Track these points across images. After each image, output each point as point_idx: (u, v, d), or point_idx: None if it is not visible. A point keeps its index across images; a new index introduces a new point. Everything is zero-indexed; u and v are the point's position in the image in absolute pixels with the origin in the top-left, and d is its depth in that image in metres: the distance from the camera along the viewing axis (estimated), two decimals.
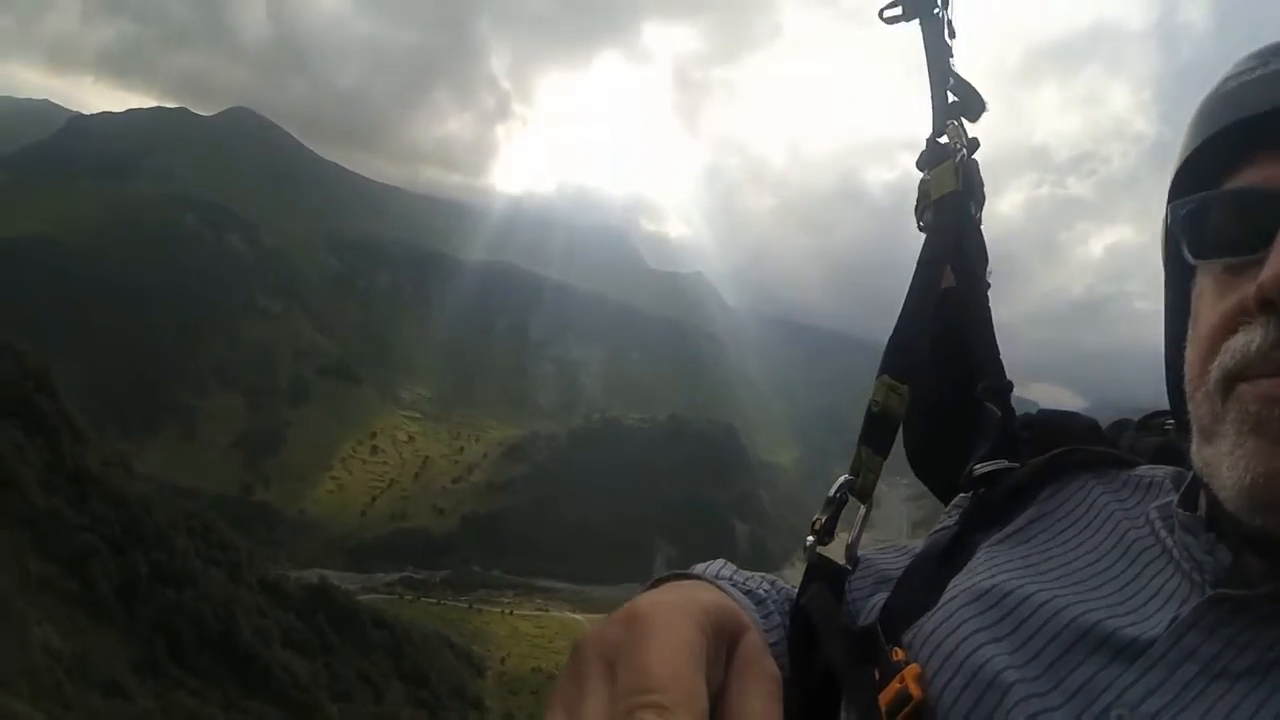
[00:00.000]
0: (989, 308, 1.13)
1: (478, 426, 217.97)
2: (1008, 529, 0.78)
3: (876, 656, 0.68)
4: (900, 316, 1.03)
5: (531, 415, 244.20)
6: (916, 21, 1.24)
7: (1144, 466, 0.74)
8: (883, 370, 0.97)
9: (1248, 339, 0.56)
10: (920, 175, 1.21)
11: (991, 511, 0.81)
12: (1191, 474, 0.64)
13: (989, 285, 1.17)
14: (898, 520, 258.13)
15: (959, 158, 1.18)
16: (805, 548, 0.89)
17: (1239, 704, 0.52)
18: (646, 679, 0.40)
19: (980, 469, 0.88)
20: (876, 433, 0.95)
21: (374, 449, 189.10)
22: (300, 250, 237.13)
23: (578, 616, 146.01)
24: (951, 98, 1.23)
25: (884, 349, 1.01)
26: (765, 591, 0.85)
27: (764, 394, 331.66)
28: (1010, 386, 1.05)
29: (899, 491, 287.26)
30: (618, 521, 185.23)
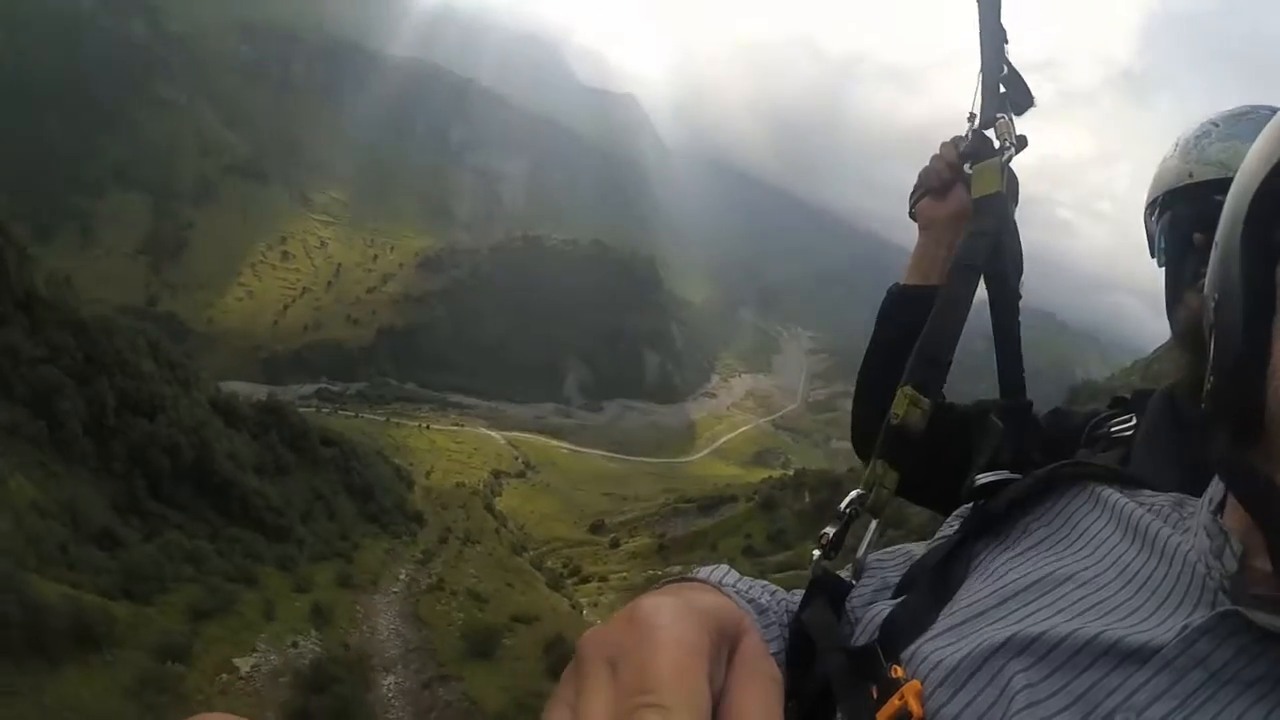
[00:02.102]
0: (1018, 321, 1.10)
1: (393, 235, 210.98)
2: (1010, 539, 0.76)
3: (875, 674, 0.67)
4: (930, 323, 0.98)
5: (448, 225, 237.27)
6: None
7: (1146, 492, 0.72)
8: (906, 379, 0.94)
9: None
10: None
11: (993, 522, 0.79)
12: (1222, 485, 0.61)
13: (1020, 296, 1.13)
14: (797, 368, 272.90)
15: (1006, 156, 1.13)
16: (811, 561, 0.88)
17: (1246, 711, 0.51)
18: (649, 679, 0.39)
19: (982, 480, 0.86)
20: (894, 446, 0.92)
21: (284, 254, 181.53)
22: (208, 37, 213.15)
23: (494, 434, 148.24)
24: (1001, 89, 1.17)
25: (912, 356, 0.96)
26: (767, 601, 0.83)
27: (684, 232, 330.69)
28: (1030, 405, 1.01)
29: (801, 342, 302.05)
30: (533, 342, 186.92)
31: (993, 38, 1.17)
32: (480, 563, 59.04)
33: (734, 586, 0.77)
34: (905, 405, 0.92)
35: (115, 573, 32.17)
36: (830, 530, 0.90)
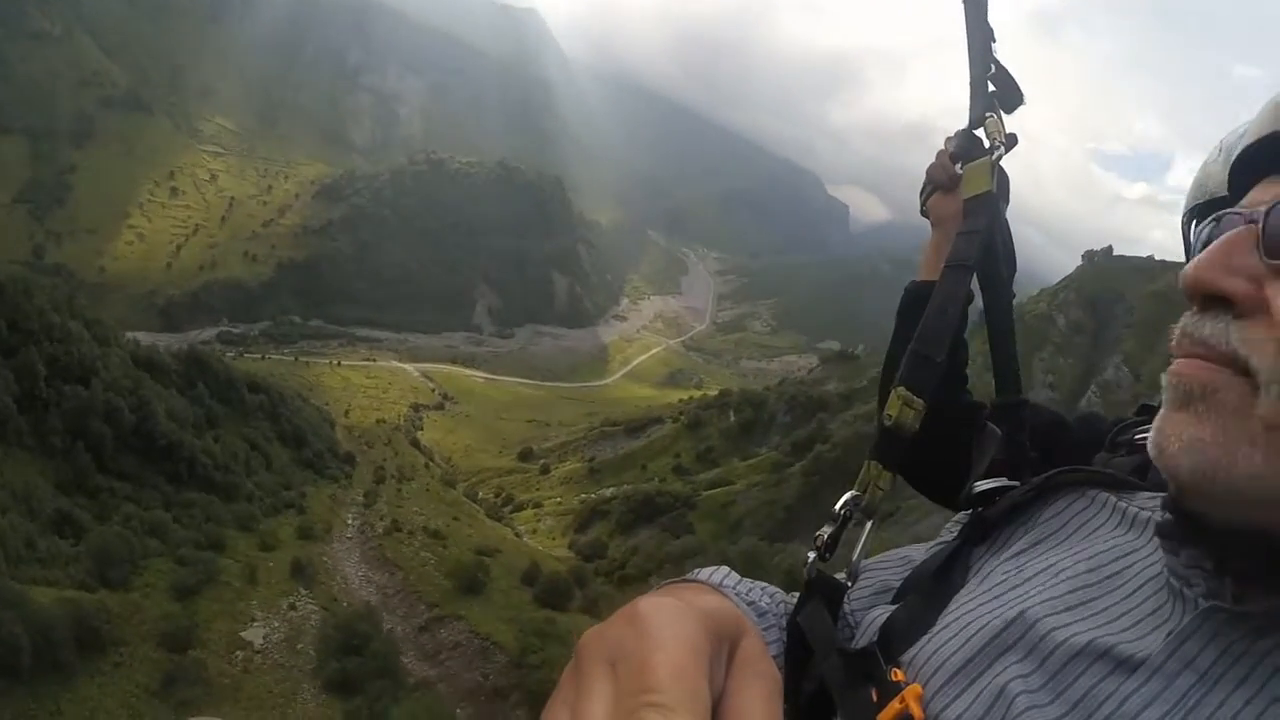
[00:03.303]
0: (1012, 319, 1.10)
1: (287, 164, 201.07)
2: (1006, 547, 0.78)
3: (875, 677, 0.69)
4: (923, 324, 0.99)
5: (345, 151, 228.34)
6: None
7: (1143, 495, 0.74)
8: (900, 380, 0.94)
9: (1179, 324, 0.62)
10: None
11: (990, 530, 0.81)
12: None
13: (1014, 295, 1.13)
14: (705, 289, 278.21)
15: (996, 155, 1.13)
16: (806, 563, 0.86)
17: (1237, 713, 0.53)
18: (649, 679, 0.40)
19: (979, 487, 0.88)
20: (887, 447, 0.93)
21: (174, 191, 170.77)
22: None
23: (407, 366, 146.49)
24: (989, 87, 1.17)
25: (905, 357, 0.98)
26: (766, 603, 0.85)
27: (590, 151, 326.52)
28: (1023, 404, 1.02)
29: (708, 264, 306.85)
30: (440, 270, 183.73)
31: (980, 37, 1.17)
32: (421, 500, 59.47)
33: (733, 588, 0.78)
34: (898, 406, 0.92)
35: (84, 560, 31.04)
36: (825, 531, 0.90)
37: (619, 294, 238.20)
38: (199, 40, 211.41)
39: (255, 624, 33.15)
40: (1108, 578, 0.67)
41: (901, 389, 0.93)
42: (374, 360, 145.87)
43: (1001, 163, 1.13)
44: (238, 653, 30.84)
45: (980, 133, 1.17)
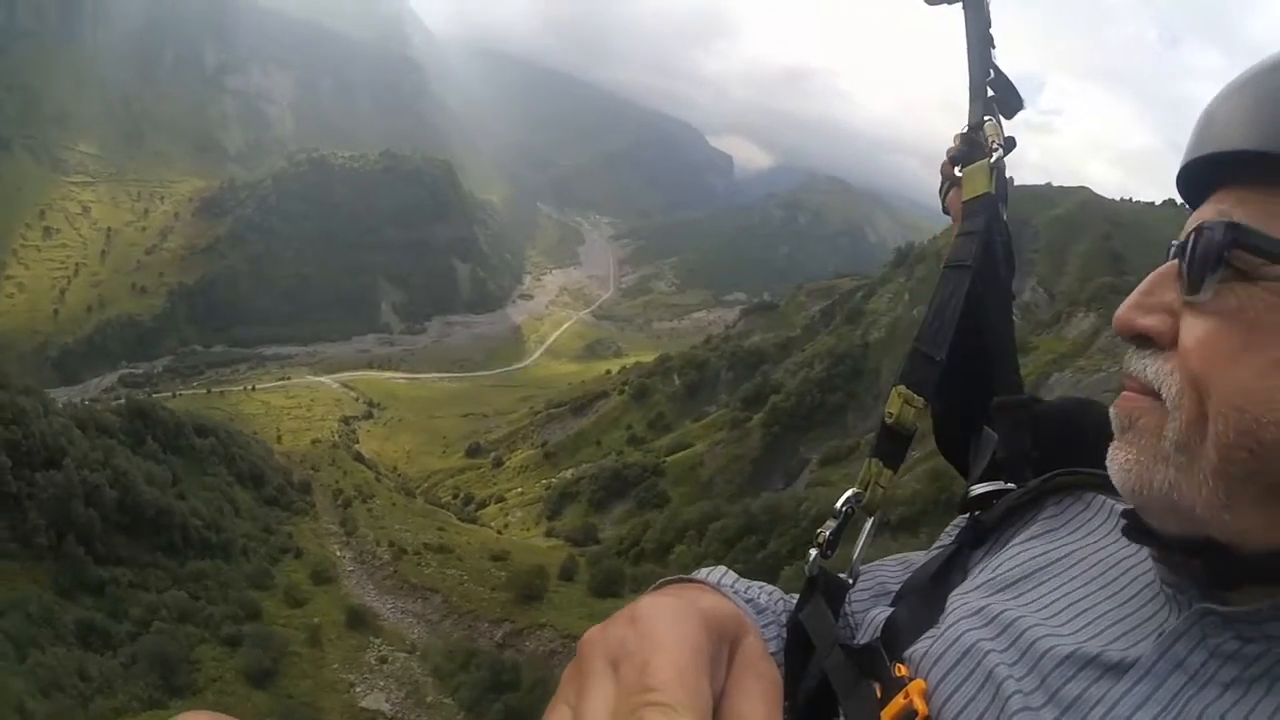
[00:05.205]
0: (1012, 320, 1.12)
1: (160, 183, 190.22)
2: (1003, 550, 0.80)
3: (878, 672, 0.70)
4: (924, 324, 1.00)
5: (219, 161, 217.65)
6: (959, 6, 1.20)
7: None
8: (900, 379, 0.95)
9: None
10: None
11: (988, 533, 0.83)
12: None
13: (1014, 296, 1.17)
14: (603, 256, 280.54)
15: (994, 158, 1.14)
16: (808, 561, 0.88)
17: (1225, 714, 0.54)
18: (651, 678, 0.40)
19: (977, 491, 0.89)
20: (889, 446, 0.94)
21: (47, 231, 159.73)
22: None
23: (324, 379, 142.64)
24: (989, 92, 1.19)
25: (906, 356, 0.99)
26: (765, 601, 0.86)
27: (468, 129, 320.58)
28: (1025, 403, 1.02)
29: (602, 230, 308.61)
30: (338, 273, 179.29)
31: (980, 43, 1.19)
32: (394, 516, 58.16)
33: (732, 587, 0.82)
34: (899, 404, 0.93)
35: (142, 673, 28.65)
36: (827, 529, 0.91)
37: (521, 273, 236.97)
38: (49, 62, 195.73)
39: (357, 688, 31.19)
40: (1103, 585, 0.69)
41: (902, 387, 0.94)
42: (289, 378, 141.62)
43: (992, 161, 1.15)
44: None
45: (978, 135, 1.19)
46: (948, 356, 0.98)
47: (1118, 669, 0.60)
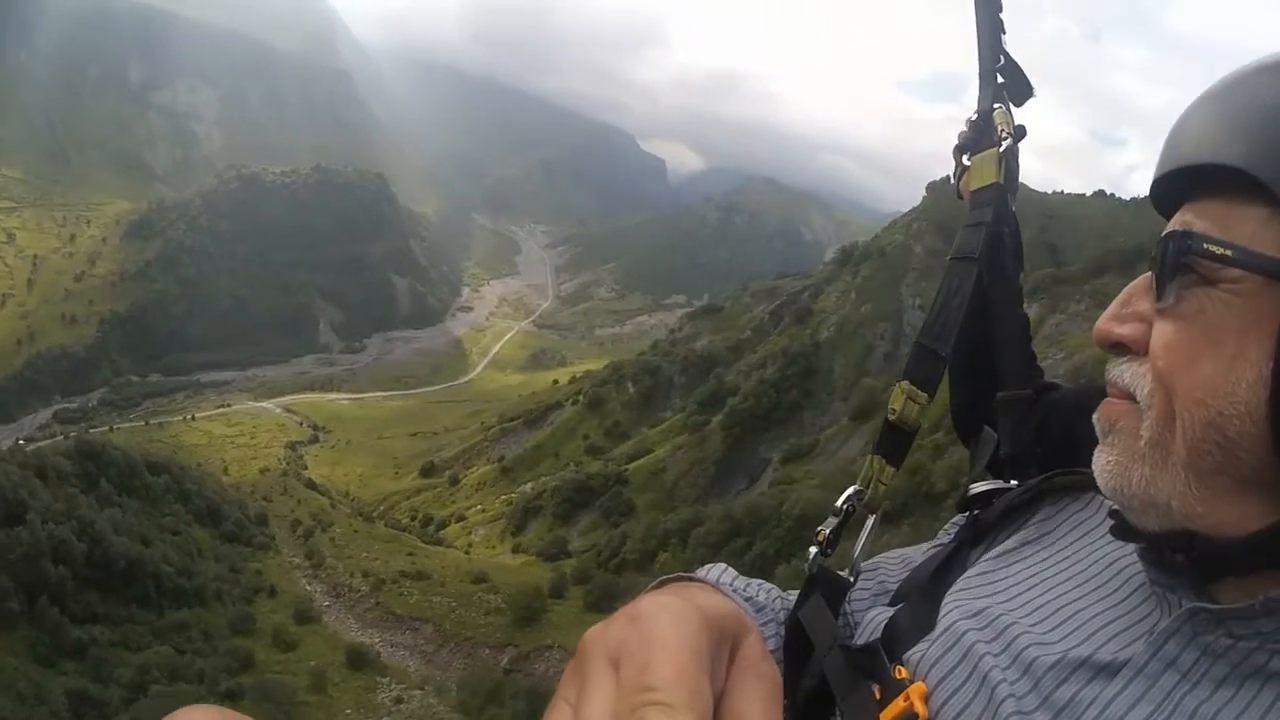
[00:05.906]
0: (1023, 313, 1.10)
1: (86, 206, 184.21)
2: (1000, 550, 0.80)
3: (877, 674, 0.70)
4: (929, 318, 0.99)
5: (146, 181, 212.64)
6: None
7: None
8: (905, 375, 0.94)
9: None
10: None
11: (986, 532, 0.83)
12: None
13: (1022, 288, 1.13)
14: (540, 265, 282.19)
15: (1004, 147, 1.12)
16: (808, 559, 0.88)
17: (1218, 712, 0.55)
18: (651, 677, 0.40)
19: (975, 489, 0.89)
20: (891, 443, 0.93)
21: None
22: None
23: (266, 404, 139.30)
24: (999, 79, 1.17)
25: (911, 352, 0.98)
26: (765, 599, 0.86)
27: (400, 140, 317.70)
28: (1030, 400, 1.01)
29: (537, 238, 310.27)
30: (274, 293, 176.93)
31: (990, 30, 1.16)
32: (358, 544, 56.94)
33: (731, 585, 0.82)
34: (902, 400, 0.92)
35: None
36: (828, 527, 0.90)
37: (459, 285, 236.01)
38: None
39: None
40: (1096, 586, 0.70)
41: (905, 383, 0.92)
42: (229, 405, 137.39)
43: (997, 150, 1.13)
44: None
45: (988, 123, 1.17)
46: (953, 351, 0.96)
47: (1110, 670, 0.61)
